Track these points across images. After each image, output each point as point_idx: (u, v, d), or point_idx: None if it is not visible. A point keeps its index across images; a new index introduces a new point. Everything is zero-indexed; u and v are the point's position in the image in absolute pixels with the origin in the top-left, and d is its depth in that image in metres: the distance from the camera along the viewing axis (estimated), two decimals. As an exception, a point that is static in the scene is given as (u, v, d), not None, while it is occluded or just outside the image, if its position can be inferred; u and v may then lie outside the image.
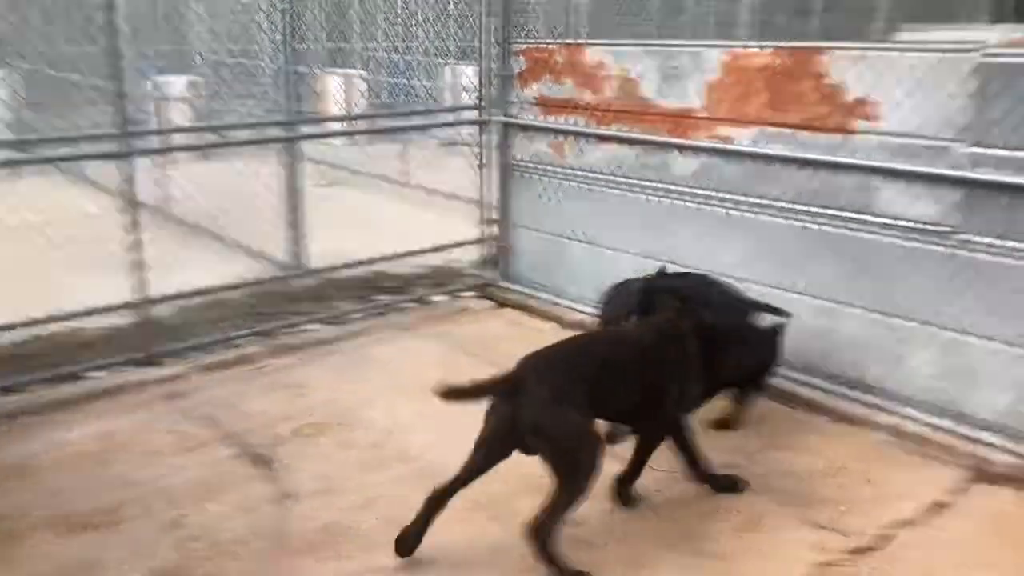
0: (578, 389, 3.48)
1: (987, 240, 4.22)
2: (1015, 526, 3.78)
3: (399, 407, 4.90)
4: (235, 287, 6.50)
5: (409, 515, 3.82)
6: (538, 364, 3.57)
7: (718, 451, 4.38)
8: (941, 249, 4.39)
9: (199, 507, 3.89)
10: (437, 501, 3.53)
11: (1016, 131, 4.03)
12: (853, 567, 3.50)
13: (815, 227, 4.88)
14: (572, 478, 3.40)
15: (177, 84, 11.05)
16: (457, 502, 3.90)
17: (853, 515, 3.85)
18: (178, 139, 9.12)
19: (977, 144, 4.17)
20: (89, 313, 5.77)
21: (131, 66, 10.03)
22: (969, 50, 4.16)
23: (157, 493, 4.00)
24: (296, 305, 6.65)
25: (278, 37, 6.81)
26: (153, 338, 5.54)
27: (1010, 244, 4.14)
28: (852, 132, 4.63)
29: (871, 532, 3.73)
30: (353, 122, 11.90)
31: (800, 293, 4.97)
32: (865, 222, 4.66)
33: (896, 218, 4.54)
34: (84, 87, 9.82)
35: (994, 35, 6.09)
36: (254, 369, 5.45)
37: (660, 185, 5.66)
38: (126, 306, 5.82)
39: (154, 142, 8.68)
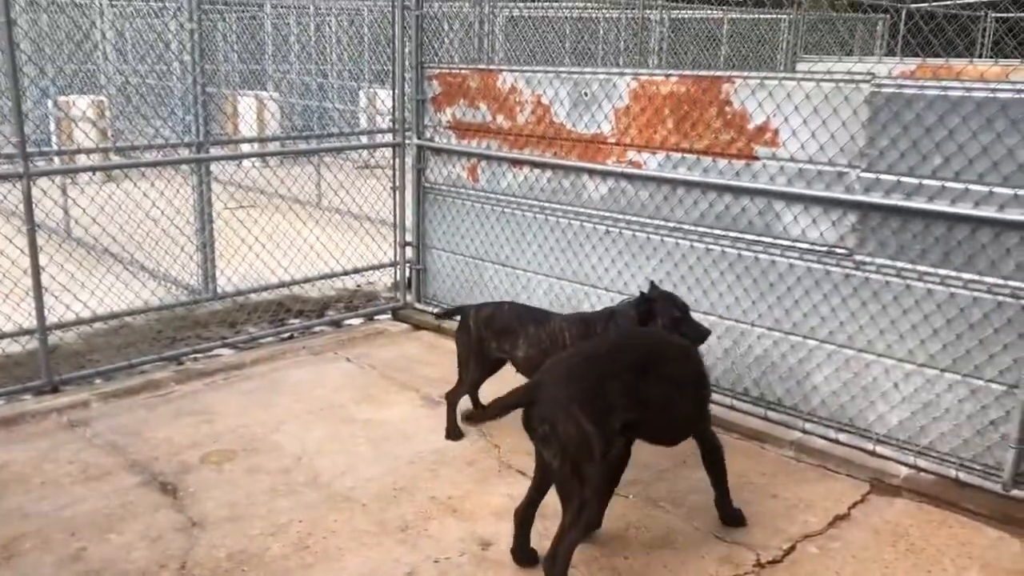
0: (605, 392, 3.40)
1: (880, 261, 4.42)
2: (911, 535, 3.94)
3: (310, 432, 4.84)
4: (141, 312, 6.35)
5: (320, 540, 3.79)
6: (557, 367, 3.52)
7: (631, 468, 4.46)
8: (839, 270, 4.58)
9: (101, 538, 3.76)
10: (521, 519, 3.61)
11: (904, 157, 4.25)
12: (758, 579, 3.60)
13: (719, 249, 5.03)
14: (575, 493, 3.30)
15: (81, 104, 10.73)
16: (368, 527, 3.88)
17: (759, 529, 3.96)
18: (82, 160, 8.84)
19: (870, 169, 4.38)
20: (-16, 339, 5.55)
21: (32, 85, 9.74)
22: (861, 81, 4.37)
23: (56, 525, 3.86)
24: (205, 330, 6.53)
25: (187, 57, 6.70)
26: (54, 365, 5.34)
27: (900, 265, 4.34)
28: (754, 158, 4.80)
29: (776, 545, 3.84)
30: (266, 144, 11.75)
31: (706, 313, 5.10)
32: (767, 244, 4.83)
33: (796, 240, 4.71)
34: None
35: (885, 68, 6.42)
36: (160, 396, 5.31)
37: (572, 208, 5.76)
38: (26, 332, 5.62)
39: (55, 163, 8.41)
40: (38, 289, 5.19)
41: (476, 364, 4.78)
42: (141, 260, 7.53)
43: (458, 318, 4.91)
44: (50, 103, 10.60)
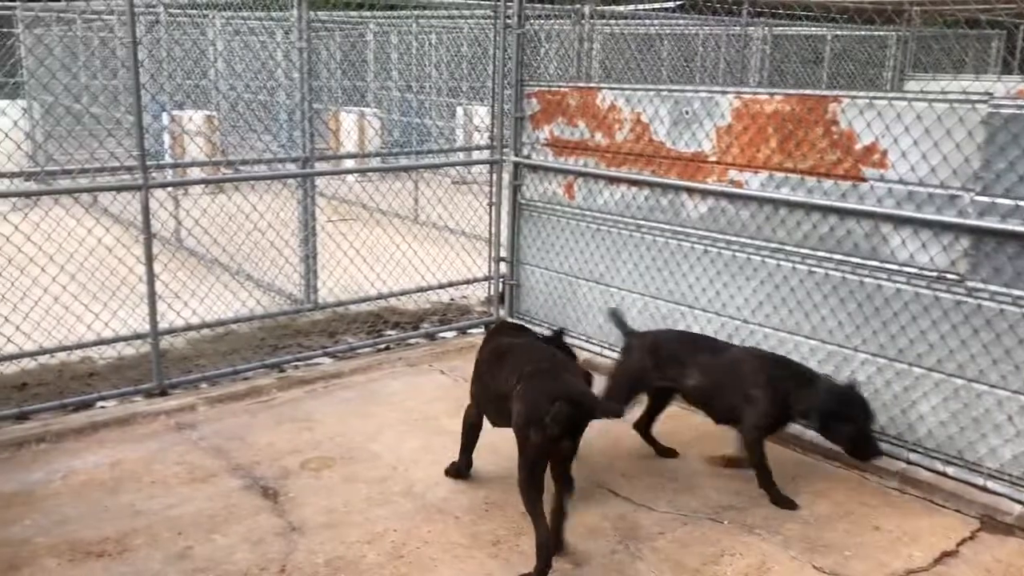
0: None
1: (994, 288, 4.24)
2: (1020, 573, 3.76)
3: (405, 442, 4.92)
4: (246, 320, 6.57)
5: (414, 550, 3.84)
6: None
7: (724, 493, 4.39)
8: (949, 296, 4.41)
9: (206, 538, 3.90)
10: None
11: (1023, 181, 4.07)
12: (859, 614, 3.49)
13: (823, 272, 4.91)
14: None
15: (195, 119, 11.20)
16: (461, 539, 3.92)
17: (859, 560, 3.84)
18: (194, 172, 9.22)
19: (984, 193, 4.21)
20: (100, 343, 5.84)
21: (150, 100, 10.22)
22: (977, 101, 4.22)
23: (164, 523, 4.01)
24: (306, 339, 6.71)
25: (295, 75, 6.92)
26: (163, 369, 5.58)
27: (1017, 293, 4.16)
28: (861, 179, 4.68)
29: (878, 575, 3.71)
30: (367, 159, 12.03)
31: (807, 337, 4.98)
32: (873, 268, 4.69)
33: (904, 265, 4.56)
34: (104, 120, 10.00)
35: (1001, 87, 6.17)
36: (263, 402, 5.47)
37: (669, 227, 5.71)
38: (138, 337, 5.88)
39: (170, 175, 8.80)
40: (152, 296, 5.43)
41: (632, 391, 4.70)
42: (247, 270, 7.80)
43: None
44: (166, 117, 11.12)
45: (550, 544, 3.60)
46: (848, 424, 4.24)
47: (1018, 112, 4.07)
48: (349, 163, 10.07)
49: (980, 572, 3.78)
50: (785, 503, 4.29)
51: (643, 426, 4.87)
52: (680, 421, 5.22)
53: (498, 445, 4.67)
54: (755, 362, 4.49)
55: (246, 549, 3.82)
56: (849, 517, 4.20)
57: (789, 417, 4.42)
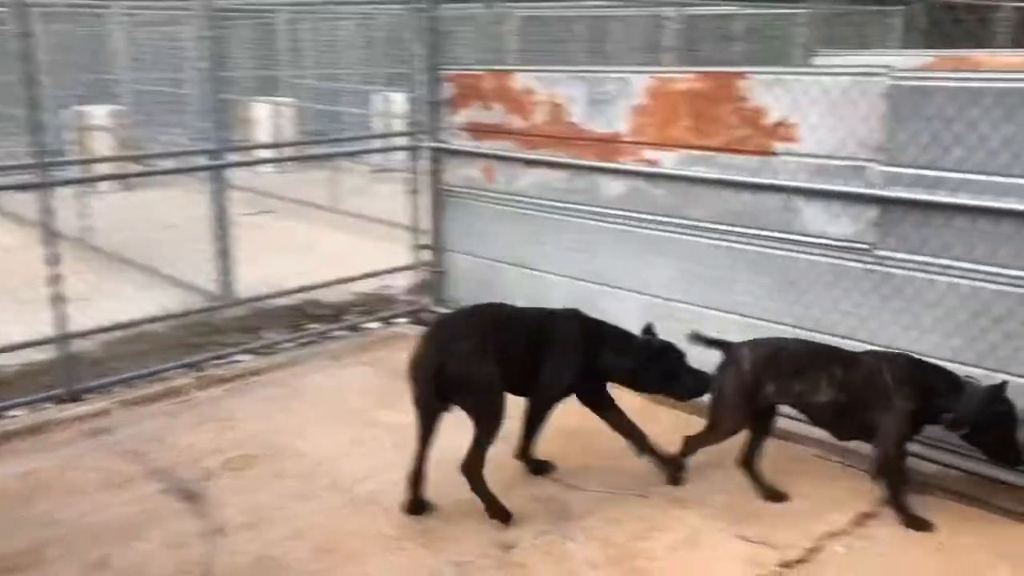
0: None
1: (901, 256, 4.37)
2: (940, 533, 3.88)
3: (331, 437, 4.84)
4: (160, 319, 6.37)
5: (343, 544, 3.80)
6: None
7: (650, 467, 4.43)
8: (859, 266, 4.53)
9: (125, 545, 3.78)
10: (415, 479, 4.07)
11: (925, 151, 4.20)
12: (784, 579, 3.57)
13: (738, 246, 4.99)
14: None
15: (98, 113, 10.80)
16: (390, 531, 3.88)
17: (784, 528, 3.92)
18: (100, 169, 8.90)
19: (889, 163, 4.33)
20: (7, 349, 5.59)
21: (50, 95, 9.81)
22: (879, 74, 4.33)
23: (81, 532, 3.88)
24: (225, 336, 6.54)
25: (203, 65, 6.72)
26: (75, 374, 5.37)
27: (922, 259, 4.29)
28: (772, 153, 4.76)
29: (801, 544, 3.80)
30: (282, 149, 11.79)
31: (727, 312, 5.07)
32: (786, 241, 4.79)
33: (816, 236, 4.67)
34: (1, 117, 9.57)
35: (903, 60, 6.36)
36: (181, 402, 5.32)
37: (588, 208, 5.74)
38: (46, 341, 5.65)
39: (74, 172, 8.46)
40: (58, 298, 5.22)
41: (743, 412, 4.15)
42: (159, 267, 7.56)
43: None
44: (67, 113, 10.69)
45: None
46: (997, 430, 3.88)
47: (917, 84, 4.19)
48: (263, 154, 9.86)
49: (898, 531, 3.90)
50: (921, 524, 3.89)
51: (751, 459, 4.24)
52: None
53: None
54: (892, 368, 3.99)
55: (167, 554, 3.71)
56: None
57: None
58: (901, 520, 3.90)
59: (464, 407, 3.89)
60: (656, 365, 4.23)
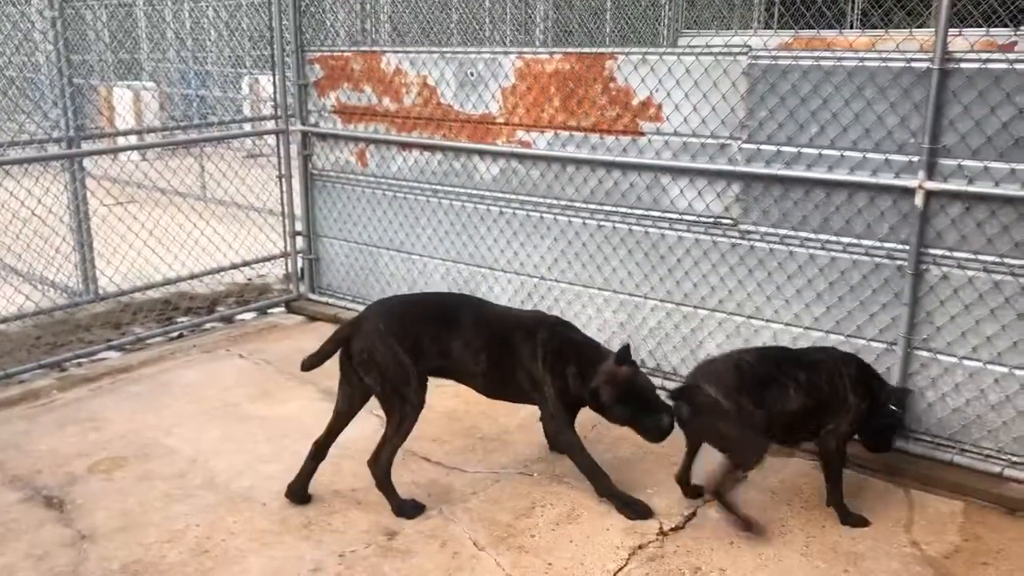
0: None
1: (764, 230, 4.54)
2: (802, 492, 4.08)
3: (204, 433, 4.69)
4: (15, 318, 6.01)
5: (220, 543, 3.69)
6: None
7: (533, 447, 4.49)
8: (725, 240, 4.69)
9: (-19, 560, 3.56)
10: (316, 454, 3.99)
11: (783, 127, 4.37)
12: (661, 547, 3.67)
13: (610, 225, 5.08)
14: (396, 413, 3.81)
15: (-63, 100, 10.04)
16: (269, 526, 3.79)
17: (661, 496, 4.03)
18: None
19: (750, 140, 4.49)
20: None
21: None
22: (738, 54, 4.47)
23: (-70, 550, 3.63)
24: (88, 333, 6.23)
25: (50, 48, 6.34)
26: (-80, 380, 5.02)
27: (783, 232, 4.48)
28: (640, 133, 4.86)
29: (678, 512, 3.92)
30: (144, 136, 11.28)
31: (600, 289, 5.16)
32: (656, 218, 4.90)
33: (683, 213, 4.80)
34: None
35: (761, 40, 6.58)
36: (41, 405, 5.04)
37: (464, 190, 5.72)
38: None
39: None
40: (-103, 300, 4.85)
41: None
42: (12, 263, 7.12)
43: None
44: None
45: None
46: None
47: (773, 63, 4.34)
48: (122, 141, 9.38)
49: (767, 493, 4.08)
50: (859, 522, 3.84)
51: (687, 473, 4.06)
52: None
53: (311, 430, 4.55)
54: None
55: (29, 566, 3.51)
56: (649, 457, 4.40)
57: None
58: (841, 518, 3.84)
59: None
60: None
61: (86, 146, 7.12)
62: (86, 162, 6.90)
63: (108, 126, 11.48)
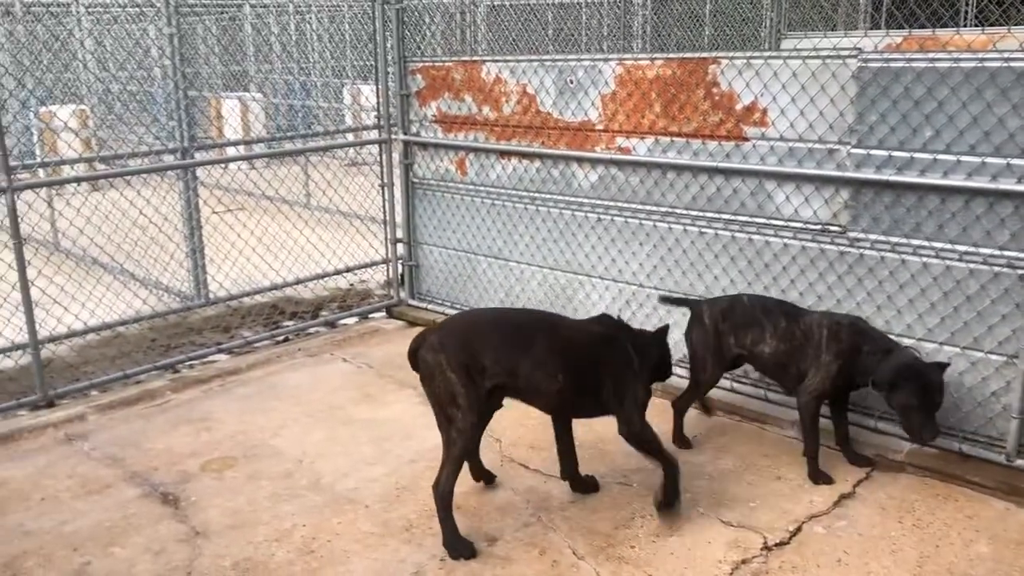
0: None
1: (874, 237, 4.39)
2: (917, 510, 3.93)
3: (310, 434, 4.81)
4: (134, 321, 6.30)
5: (325, 543, 3.78)
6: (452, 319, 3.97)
7: (632, 457, 4.44)
8: (833, 248, 4.56)
9: (104, 553, 3.73)
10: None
11: (895, 132, 4.22)
12: (765, 562, 3.58)
13: (712, 232, 5.00)
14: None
15: (63, 114, 10.63)
16: (372, 528, 3.86)
17: (764, 511, 3.95)
18: (67, 171, 8.77)
19: (860, 145, 4.35)
20: (-24, 357, 5.51)
21: (13, 98, 9.64)
22: (847, 56, 4.34)
23: (58, 541, 3.82)
24: (199, 336, 6.49)
25: (167, 62, 6.63)
26: (48, 379, 5.30)
27: (895, 240, 4.32)
28: (744, 138, 4.77)
29: (783, 527, 3.82)
30: (252, 146, 11.68)
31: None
32: (760, 225, 4.80)
33: (789, 220, 4.69)
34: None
35: (871, 41, 6.38)
36: (157, 405, 5.27)
37: (562, 197, 5.73)
38: (16, 347, 5.57)
39: (40, 175, 8.34)
40: (28, 303, 5.14)
41: (715, 363, 4.46)
42: (131, 269, 7.47)
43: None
44: (31, 115, 10.51)
45: None
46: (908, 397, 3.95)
47: (885, 65, 4.20)
48: (233, 151, 9.75)
49: (876, 509, 3.94)
50: (823, 478, 4.16)
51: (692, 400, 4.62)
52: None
53: (412, 433, 4.63)
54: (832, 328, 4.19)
55: (148, 559, 3.67)
56: (752, 469, 4.31)
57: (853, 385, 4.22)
58: (808, 471, 4.21)
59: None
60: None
61: (199, 156, 7.41)
62: (198, 171, 7.18)
63: (218, 136, 11.93)
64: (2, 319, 5.89)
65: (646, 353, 3.92)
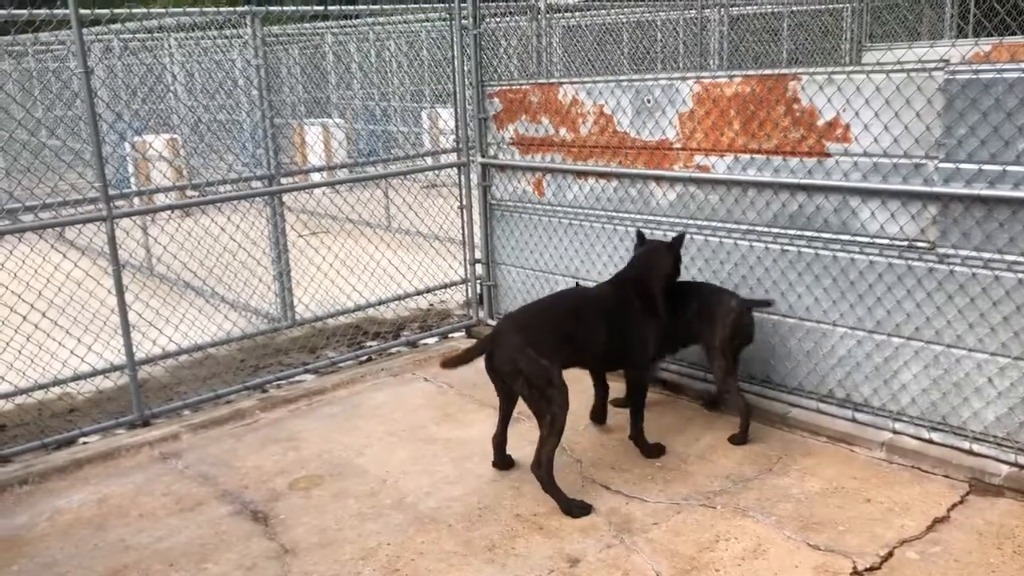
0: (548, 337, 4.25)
1: (965, 253, 4.27)
2: (1017, 536, 3.78)
3: (393, 453, 4.89)
4: (224, 343, 6.51)
5: (409, 562, 3.83)
6: (513, 317, 4.47)
7: (714, 478, 4.39)
8: (921, 264, 4.44)
9: (198, 568, 3.86)
10: (497, 443, 4.64)
11: (985, 145, 4.10)
12: (857, 588, 3.50)
13: (795, 249, 4.93)
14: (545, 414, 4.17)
15: (156, 143, 11.09)
16: (456, 548, 3.90)
17: (853, 535, 3.85)
18: (160, 198, 9.14)
19: (948, 159, 4.24)
20: (80, 377, 5.76)
21: (108, 129, 10.10)
22: (933, 69, 4.24)
23: (155, 556, 3.97)
24: (286, 356, 6.66)
25: (254, 92, 6.87)
26: (144, 399, 5.52)
27: (987, 256, 4.19)
28: (826, 154, 4.69)
29: (873, 551, 3.72)
30: (334, 172, 11.97)
31: (785, 316, 5.00)
32: (845, 242, 4.71)
33: (875, 236, 4.59)
34: (63, 152, 9.88)
35: (958, 52, 6.22)
36: (247, 424, 5.43)
37: (640, 217, 5.71)
38: (115, 368, 5.81)
39: (135, 203, 8.70)
40: (126, 326, 5.37)
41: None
42: (221, 292, 7.73)
43: None
44: (127, 145, 10.99)
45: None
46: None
47: (974, 77, 4.10)
48: (316, 176, 10.01)
49: (972, 535, 3.81)
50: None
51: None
52: (665, 407, 5.25)
53: (491, 451, 4.66)
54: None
55: (239, 576, 3.79)
56: (840, 492, 4.21)
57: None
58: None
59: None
60: None
61: (284, 182, 7.64)
62: (284, 196, 7.40)
63: (302, 162, 12.27)
64: (102, 342, 6.15)
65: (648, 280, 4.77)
